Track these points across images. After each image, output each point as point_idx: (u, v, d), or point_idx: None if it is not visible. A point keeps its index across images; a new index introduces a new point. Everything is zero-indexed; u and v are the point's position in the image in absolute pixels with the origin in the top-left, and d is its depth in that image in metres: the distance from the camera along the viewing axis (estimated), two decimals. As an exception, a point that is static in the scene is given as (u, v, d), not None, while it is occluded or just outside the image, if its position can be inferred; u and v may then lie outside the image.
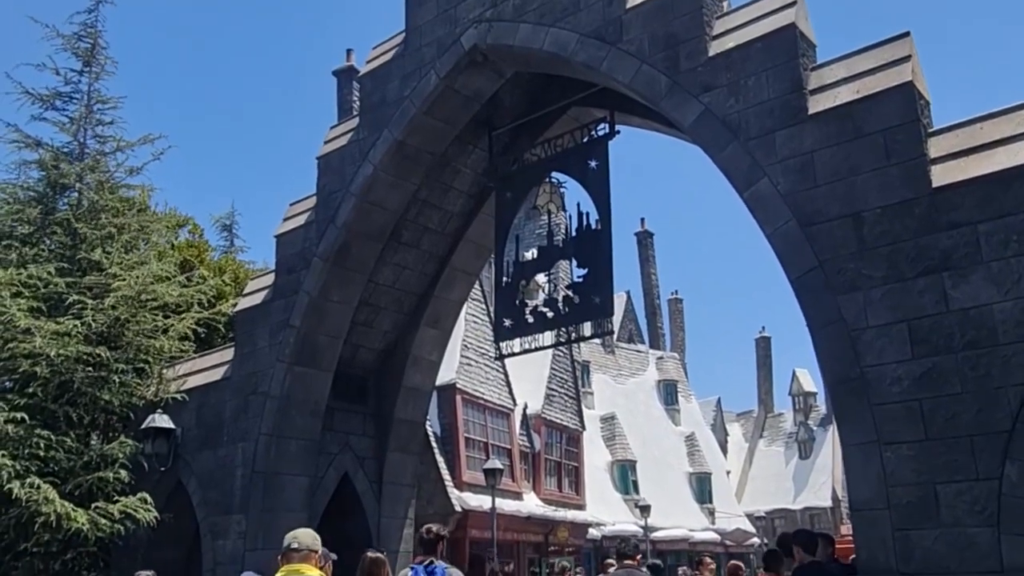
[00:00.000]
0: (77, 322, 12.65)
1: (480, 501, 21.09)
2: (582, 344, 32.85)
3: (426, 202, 12.48)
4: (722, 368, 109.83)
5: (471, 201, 12.90)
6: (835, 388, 7.03)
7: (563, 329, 10.88)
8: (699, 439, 38.54)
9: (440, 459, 20.77)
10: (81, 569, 12.07)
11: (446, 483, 20.66)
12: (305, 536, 4.67)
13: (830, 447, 52.46)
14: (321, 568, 4.71)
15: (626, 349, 39.80)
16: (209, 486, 12.25)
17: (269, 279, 12.79)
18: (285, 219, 12.84)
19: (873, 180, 7.11)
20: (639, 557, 7.32)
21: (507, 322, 11.23)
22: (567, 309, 10.61)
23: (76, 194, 14.78)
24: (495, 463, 19.47)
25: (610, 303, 10.28)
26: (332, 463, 12.42)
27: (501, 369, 24.35)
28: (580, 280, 10.60)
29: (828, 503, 50.66)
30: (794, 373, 58.26)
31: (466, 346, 22.55)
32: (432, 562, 6.77)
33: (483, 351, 23.64)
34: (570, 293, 10.65)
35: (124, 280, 13.34)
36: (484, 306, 24.03)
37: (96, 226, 14.13)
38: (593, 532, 28.21)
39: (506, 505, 21.85)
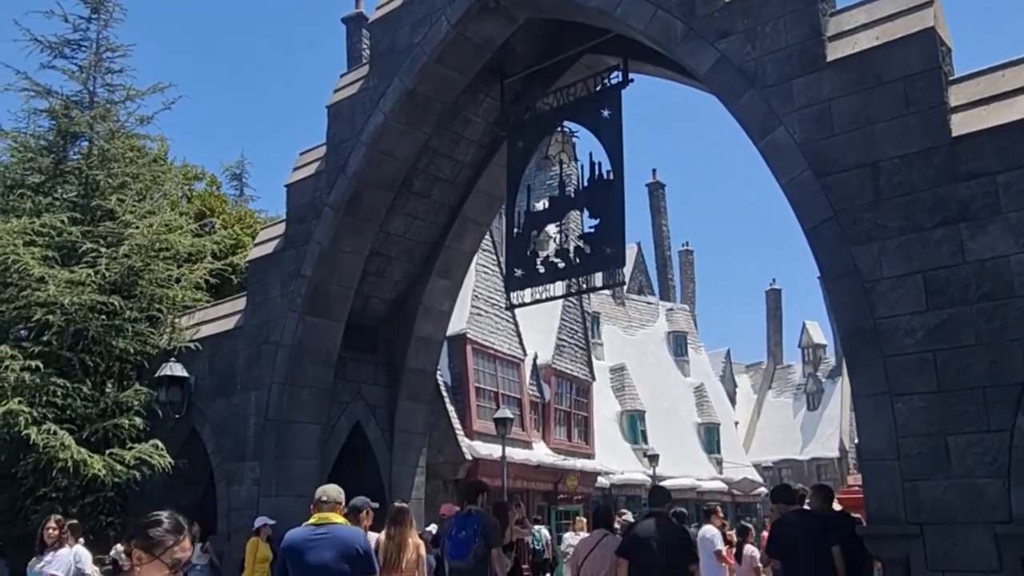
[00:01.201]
0: (91, 271, 12.71)
1: (490, 450, 21.30)
2: (592, 295, 32.87)
3: (437, 151, 12.39)
4: (732, 320, 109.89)
5: (482, 151, 12.79)
6: (848, 339, 7.01)
7: (574, 279, 10.85)
8: (708, 390, 38.69)
9: (451, 408, 20.93)
10: (99, 513, 12.30)
11: (456, 432, 20.85)
12: (332, 491, 5.68)
13: (838, 399, 52.72)
14: (364, 515, 6.40)
15: (636, 300, 39.79)
16: (223, 434, 12.40)
17: (280, 228, 12.77)
18: (295, 168, 12.78)
19: (892, 129, 6.99)
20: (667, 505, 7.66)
21: (518, 272, 11.20)
22: (578, 259, 10.57)
23: (87, 143, 14.75)
24: (505, 412, 19.61)
25: (622, 254, 10.23)
26: (344, 412, 12.54)
27: (511, 319, 24.40)
28: (592, 230, 10.53)
29: (835, 454, 51.09)
30: (804, 325, 58.37)
31: (476, 296, 22.57)
32: (471, 511, 7.98)
33: (493, 301, 23.68)
34: (582, 243, 10.60)
35: (137, 228, 13.37)
36: (494, 256, 24.00)
37: (109, 174, 14.11)
38: (602, 480, 28.51)
39: (516, 454, 22.06)
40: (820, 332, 57.21)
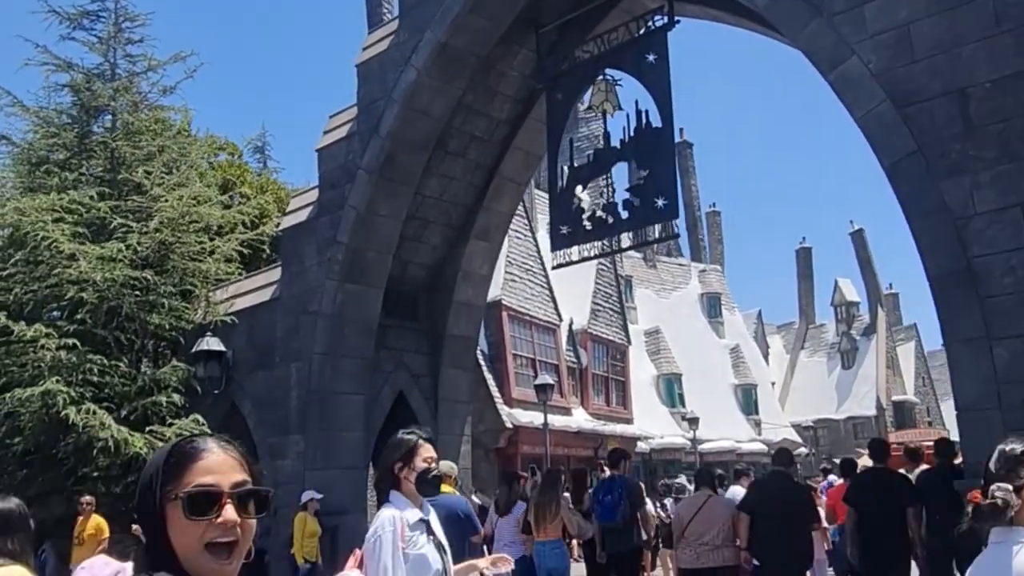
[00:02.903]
0: (122, 246, 12.38)
1: (530, 417, 20.99)
2: (623, 259, 32.34)
3: (472, 109, 11.90)
4: (761, 280, 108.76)
5: (518, 106, 12.28)
6: (938, 281, 6.49)
7: (625, 234, 10.36)
8: (743, 351, 38.15)
9: (489, 376, 20.62)
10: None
11: (495, 400, 20.56)
12: (444, 465, 5.89)
13: (873, 356, 51.94)
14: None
15: (668, 263, 39.21)
16: (264, 407, 12.10)
17: (313, 195, 12.37)
18: (325, 132, 12.34)
19: (981, 51, 6.42)
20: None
21: (564, 230, 10.74)
22: (628, 213, 10.09)
23: (110, 116, 14.38)
24: (546, 378, 19.24)
25: (675, 204, 9.72)
26: (387, 381, 12.19)
27: (546, 285, 23.99)
28: (640, 182, 10.03)
29: (872, 412, 50.33)
30: (836, 283, 57.34)
31: (510, 262, 22.14)
32: (615, 476, 8.67)
33: (527, 267, 23.25)
34: (630, 196, 10.10)
35: (167, 201, 13.00)
36: (526, 221, 23.54)
37: (135, 147, 13.75)
38: (641, 445, 28.18)
39: (556, 420, 21.73)
40: (853, 289, 56.21)
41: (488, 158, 12.45)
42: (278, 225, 13.66)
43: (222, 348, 12.51)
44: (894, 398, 52.26)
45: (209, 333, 12.53)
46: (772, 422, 36.68)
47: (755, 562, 7.33)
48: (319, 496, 10.54)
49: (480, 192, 12.65)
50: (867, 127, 6.99)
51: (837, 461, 14.08)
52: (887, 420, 50.08)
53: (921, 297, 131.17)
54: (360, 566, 3.43)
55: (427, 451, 3.60)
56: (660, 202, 9.73)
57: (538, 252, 23.86)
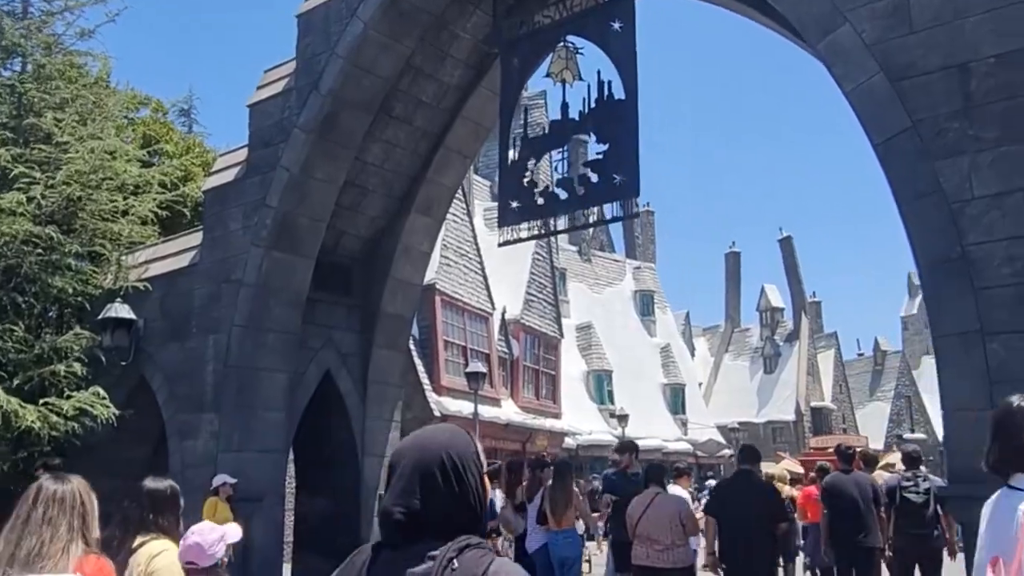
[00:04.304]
0: (23, 198, 11.18)
1: (459, 406, 20.29)
2: (559, 251, 31.84)
3: (420, 71, 11.10)
4: (689, 282, 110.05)
5: (470, 72, 11.53)
6: (930, 270, 6.00)
7: (580, 212, 9.71)
8: (673, 350, 38.11)
9: (419, 362, 19.81)
10: (34, 469, 10.93)
11: (424, 387, 19.77)
12: None
13: (795, 362, 52.82)
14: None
15: (603, 258, 38.92)
16: (176, 382, 11.09)
17: (241, 155, 11.38)
18: (260, 87, 11.37)
19: (985, 23, 5.94)
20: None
21: (514, 204, 10.00)
22: (584, 189, 9.42)
23: (20, 59, 13.10)
24: (478, 366, 18.56)
25: (635, 182, 9.07)
26: (314, 359, 11.31)
27: (480, 272, 23.30)
28: (600, 157, 9.37)
29: (792, 416, 51.14)
30: (763, 288, 58.18)
31: (445, 246, 21.35)
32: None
33: (463, 251, 22.52)
34: (588, 171, 9.44)
35: (77, 153, 11.85)
36: (464, 204, 22.78)
37: (46, 92, 12.50)
38: (569, 441, 27.74)
39: (485, 412, 21.06)
40: (778, 295, 57.10)
41: (435, 126, 11.66)
42: (202, 187, 12.62)
43: (132, 316, 11.46)
44: (813, 404, 53.25)
45: (119, 300, 11.47)
46: (698, 422, 36.73)
47: (723, 566, 6.90)
48: (232, 481, 9.61)
49: (425, 162, 11.85)
50: (858, 101, 6.47)
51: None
52: (805, 425, 50.94)
53: (842, 306, 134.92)
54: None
55: None
56: (619, 179, 9.07)
57: (474, 238, 23.15)
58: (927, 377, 63.99)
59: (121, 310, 11.39)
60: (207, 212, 11.56)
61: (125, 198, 12.62)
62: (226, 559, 3.65)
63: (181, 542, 3.59)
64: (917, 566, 8.14)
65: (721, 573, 7.12)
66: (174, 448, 10.97)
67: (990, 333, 5.63)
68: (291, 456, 11.98)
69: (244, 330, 10.45)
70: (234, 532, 3.63)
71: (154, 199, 12.95)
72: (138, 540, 3.73)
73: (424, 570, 1.64)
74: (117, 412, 10.89)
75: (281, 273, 10.60)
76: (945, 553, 8.17)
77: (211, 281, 10.98)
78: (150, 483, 3.94)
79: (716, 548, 7.00)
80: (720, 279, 60.28)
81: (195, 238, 11.71)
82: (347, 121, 10.51)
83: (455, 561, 1.64)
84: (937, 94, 6.07)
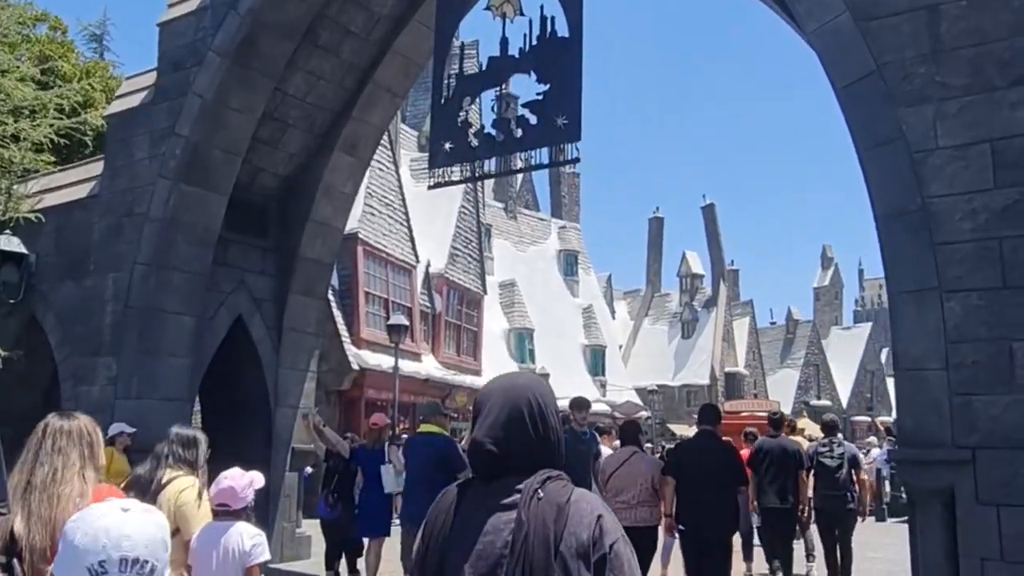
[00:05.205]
0: None
1: (379, 360, 19.69)
2: (485, 207, 31.26)
3: (349, -3, 10.32)
4: (612, 246, 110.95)
5: (402, 3, 10.79)
6: (887, 221, 5.70)
7: (516, 155, 9.17)
8: (596, 311, 38.11)
9: (337, 313, 19.08)
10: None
11: (343, 339, 19.08)
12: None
13: (711, 328, 53.71)
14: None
15: (528, 216, 38.50)
16: (71, 323, 10.23)
17: (150, 78, 10.46)
18: (171, 4, 10.44)
19: (959, -36, 5.60)
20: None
21: (447, 145, 9.38)
22: (521, 131, 8.87)
23: None
24: (400, 319, 17.97)
25: (577, 126, 8.57)
26: (224, 303, 10.57)
27: (405, 223, 22.58)
28: (540, 97, 8.82)
29: (706, 381, 52.09)
30: (684, 255, 58.78)
31: (370, 194, 20.53)
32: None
33: (387, 201, 21.75)
34: (526, 113, 8.89)
35: (-39, 68, 10.70)
36: (390, 152, 21.95)
37: (-77, -2, 11.27)
38: (488, 398, 27.44)
39: (405, 366, 20.47)
40: (698, 262, 57.79)
41: (363, 59, 10.92)
42: (105, 113, 11.61)
43: (23, 250, 10.55)
44: (727, 369, 54.38)
45: (8, 231, 10.51)
46: (617, 384, 36.92)
47: (680, 527, 6.66)
48: (131, 431, 8.87)
49: (351, 98, 11.11)
50: (821, 42, 6.09)
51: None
52: (719, 390, 51.98)
53: (758, 276, 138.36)
54: None
55: None
56: (560, 121, 8.55)
57: (400, 187, 22.38)
58: (835, 347, 66.25)
59: (11, 243, 10.52)
60: (109, 139, 10.63)
61: (16, 120, 11.50)
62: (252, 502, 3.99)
63: (213, 486, 3.94)
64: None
65: (677, 536, 6.98)
66: (67, 394, 10.15)
67: (948, 291, 5.37)
68: (197, 406, 11.25)
69: (147, 268, 9.64)
70: (259, 479, 4.07)
71: (51, 124, 11.83)
72: (168, 476, 4.12)
73: (512, 501, 1.78)
74: (4, 354, 9.98)
75: (190, 208, 9.80)
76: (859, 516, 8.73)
77: (112, 214, 10.10)
78: (178, 428, 4.47)
79: (672, 510, 6.86)
80: (643, 243, 60.61)
81: (95, 167, 10.79)
82: (267, 46, 9.70)
83: (540, 491, 1.78)
84: (904, 36, 5.73)
